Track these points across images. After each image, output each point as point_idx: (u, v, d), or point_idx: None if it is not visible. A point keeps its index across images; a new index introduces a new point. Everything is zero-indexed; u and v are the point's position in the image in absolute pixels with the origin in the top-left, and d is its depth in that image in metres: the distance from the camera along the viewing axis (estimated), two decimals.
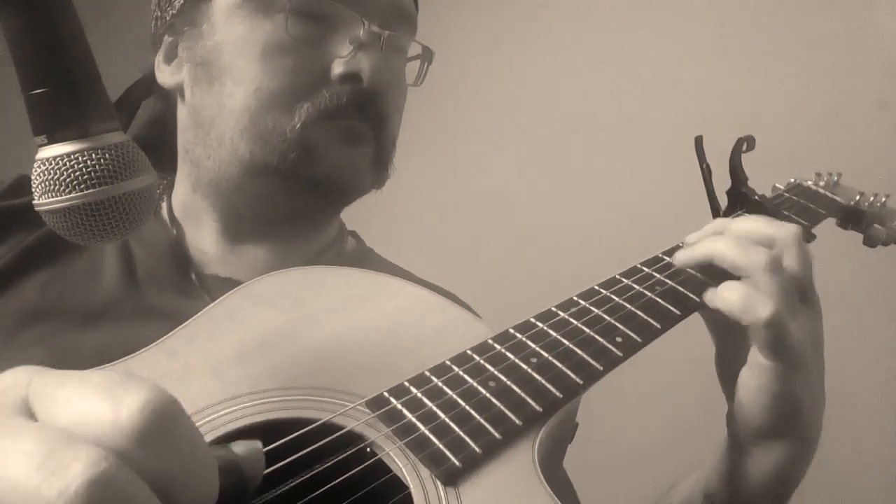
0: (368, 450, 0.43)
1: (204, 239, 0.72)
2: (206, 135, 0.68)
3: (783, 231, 0.56)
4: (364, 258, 0.81)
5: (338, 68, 0.65)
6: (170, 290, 0.67)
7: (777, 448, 0.54)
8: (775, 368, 0.51)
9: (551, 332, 0.51)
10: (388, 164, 0.73)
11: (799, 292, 0.54)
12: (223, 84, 0.66)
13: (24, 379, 0.30)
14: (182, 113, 0.72)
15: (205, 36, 0.67)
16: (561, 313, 0.54)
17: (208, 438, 0.42)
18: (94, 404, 0.27)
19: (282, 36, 0.64)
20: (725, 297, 0.52)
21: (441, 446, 0.42)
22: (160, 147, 0.74)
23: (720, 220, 0.60)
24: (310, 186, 0.66)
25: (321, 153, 0.65)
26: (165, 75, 0.72)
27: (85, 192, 0.38)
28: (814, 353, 0.54)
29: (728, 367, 0.57)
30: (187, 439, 0.28)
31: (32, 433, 0.26)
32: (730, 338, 0.59)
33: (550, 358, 0.49)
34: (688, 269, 0.58)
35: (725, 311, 0.52)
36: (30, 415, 0.28)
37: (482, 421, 0.44)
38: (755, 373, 0.52)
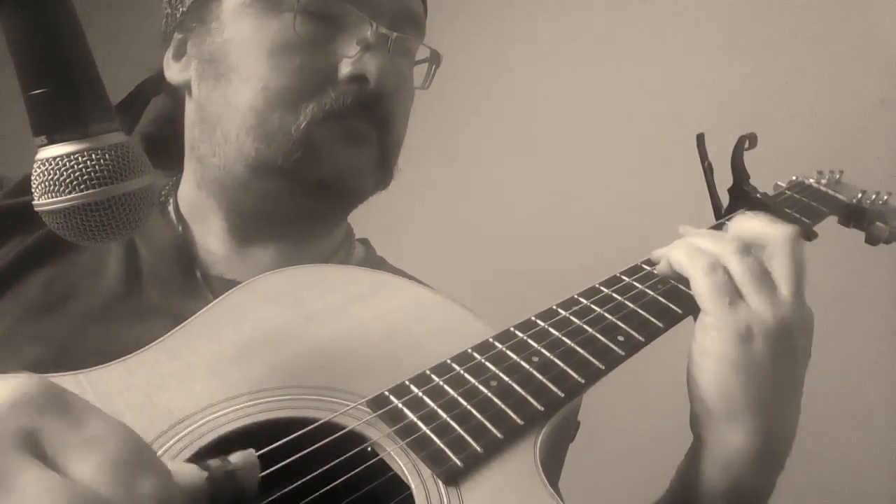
0: (370, 449, 0.43)
1: (210, 238, 0.72)
2: (211, 132, 0.68)
3: (776, 231, 0.57)
4: (375, 267, 0.80)
5: (345, 69, 0.65)
6: (174, 289, 0.67)
7: (728, 434, 0.52)
8: (710, 361, 0.51)
9: (553, 330, 0.51)
10: (392, 166, 0.73)
11: (789, 290, 0.54)
12: (230, 81, 0.66)
13: (29, 406, 0.29)
14: (189, 110, 0.72)
15: (213, 33, 0.67)
16: (562, 312, 0.53)
17: (210, 438, 0.42)
18: (111, 483, 0.29)
19: (290, 35, 0.64)
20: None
21: (442, 446, 0.42)
22: (169, 145, 0.74)
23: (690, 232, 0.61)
24: (313, 187, 0.66)
25: (325, 153, 0.65)
26: (174, 72, 0.72)
27: (84, 192, 0.38)
28: (785, 350, 0.53)
29: None
30: None
31: (60, 495, 0.27)
32: None
33: (552, 357, 0.49)
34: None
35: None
36: (38, 453, 0.28)
37: (483, 420, 0.44)
38: (695, 360, 0.53)
